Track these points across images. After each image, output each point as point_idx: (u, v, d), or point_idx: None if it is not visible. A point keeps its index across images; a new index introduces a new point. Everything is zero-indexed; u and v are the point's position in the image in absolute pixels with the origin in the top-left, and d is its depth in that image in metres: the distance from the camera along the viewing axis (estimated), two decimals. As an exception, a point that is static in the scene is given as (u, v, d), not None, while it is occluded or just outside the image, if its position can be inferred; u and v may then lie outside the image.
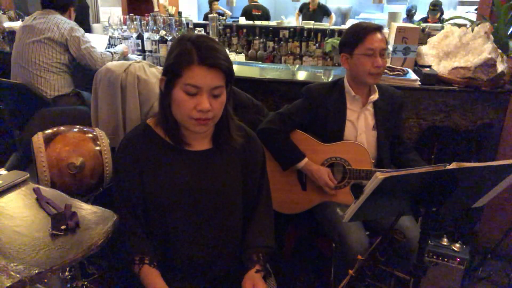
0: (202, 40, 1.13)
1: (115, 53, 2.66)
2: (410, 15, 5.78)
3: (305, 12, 6.08)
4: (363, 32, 1.70)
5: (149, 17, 2.97)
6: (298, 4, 6.35)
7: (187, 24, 3.13)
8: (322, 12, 6.07)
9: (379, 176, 1.00)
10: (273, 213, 1.41)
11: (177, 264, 1.26)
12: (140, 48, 3.08)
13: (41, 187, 1.19)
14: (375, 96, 1.81)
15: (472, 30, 2.30)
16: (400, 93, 1.90)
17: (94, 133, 1.67)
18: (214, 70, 1.10)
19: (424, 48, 2.48)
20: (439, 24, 3.06)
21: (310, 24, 3.67)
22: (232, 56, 3.02)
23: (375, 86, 1.82)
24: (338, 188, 1.81)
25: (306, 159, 1.79)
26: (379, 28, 1.72)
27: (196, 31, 3.10)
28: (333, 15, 6.15)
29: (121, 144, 1.26)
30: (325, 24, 4.56)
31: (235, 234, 1.31)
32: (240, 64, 2.85)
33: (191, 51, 1.10)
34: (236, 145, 1.28)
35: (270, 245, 1.32)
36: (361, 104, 1.82)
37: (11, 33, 3.03)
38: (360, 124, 1.82)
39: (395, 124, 1.87)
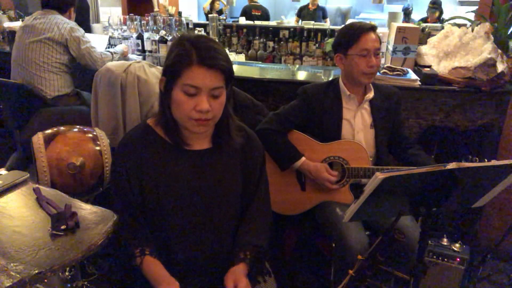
0: (201, 41, 1.13)
1: (115, 53, 2.66)
2: (406, 13, 5.78)
3: (305, 12, 6.08)
4: (357, 32, 1.70)
5: (149, 17, 2.97)
6: (298, 4, 6.35)
7: (187, 24, 3.13)
8: (321, 13, 6.08)
9: (379, 176, 1.00)
10: (273, 213, 1.40)
11: (176, 263, 1.25)
12: (140, 48, 3.08)
13: (41, 187, 1.19)
14: (370, 95, 1.81)
15: (472, 30, 2.30)
16: (396, 90, 1.90)
17: (94, 133, 1.67)
18: (214, 70, 1.10)
19: (424, 48, 2.48)
20: (439, 24, 3.06)
21: (310, 24, 3.67)
22: (232, 56, 3.02)
23: (370, 84, 1.82)
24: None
25: (303, 158, 1.79)
26: (372, 28, 1.72)
27: (196, 31, 3.10)
28: (328, 20, 6.16)
29: (120, 143, 1.26)
30: (325, 24, 4.57)
31: (234, 233, 1.31)
32: (240, 64, 2.85)
33: (190, 51, 1.10)
34: (235, 145, 1.28)
35: (260, 245, 1.28)
36: (357, 103, 1.83)
37: (11, 33, 3.03)
38: (357, 123, 1.83)
39: (394, 121, 1.88)
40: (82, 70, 2.67)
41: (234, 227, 1.31)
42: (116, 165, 1.26)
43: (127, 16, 3.02)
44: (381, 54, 1.81)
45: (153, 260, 1.19)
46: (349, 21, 5.23)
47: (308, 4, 6.10)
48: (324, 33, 3.14)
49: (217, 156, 1.27)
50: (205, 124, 1.16)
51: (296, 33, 3.18)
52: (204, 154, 1.26)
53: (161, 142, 1.24)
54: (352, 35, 1.71)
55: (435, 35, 2.53)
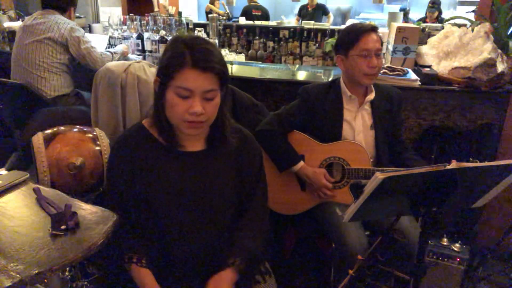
0: (196, 43, 1.11)
1: (115, 53, 2.66)
2: (404, 13, 5.80)
3: (304, 12, 6.09)
4: (357, 33, 1.69)
5: (149, 17, 2.97)
6: (298, 4, 6.36)
7: (187, 24, 3.13)
8: (321, 11, 6.08)
9: (379, 176, 1.00)
10: (273, 213, 1.39)
11: (172, 264, 1.25)
12: (140, 48, 3.08)
13: (41, 187, 1.20)
14: (371, 96, 1.81)
15: (472, 30, 2.30)
16: (398, 91, 1.89)
17: (94, 133, 1.67)
18: (207, 73, 1.09)
19: (424, 48, 2.48)
20: (439, 24, 3.06)
21: (310, 24, 3.67)
22: (232, 56, 3.02)
23: (371, 86, 1.81)
24: (337, 188, 1.81)
25: (301, 163, 1.78)
26: (373, 29, 1.71)
27: (196, 31, 3.10)
28: (331, 14, 6.16)
29: (115, 143, 1.26)
30: (325, 24, 4.56)
31: (229, 235, 1.29)
32: (240, 64, 2.85)
33: (184, 53, 1.08)
34: (230, 147, 1.27)
35: (253, 248, 1.25)
36: (358, 104, 1.82)
37: (11, 33, 3.03)
38: (358, 124, 1.82)
39: (394, 123, 1.87)
40: (82, 70, 2.67)
41: (228, 229, 1.29)
42: (110, 165, 1.26)
43: (127, 16, 3.02)
44: (382, 55, 1.80)
45: (139, 268, 1.19)
46: (349, 22, 5.24)
47: (307, 4, 6.10)
48: (324, 33, 3.14)
49: (211, 158, 1.26)
50: (198, 127, 1.15)
51: (296, 33, 3.19)
52: (198, 156, 1.25)
53: (155, 143, 1.23)
54: (353, 36, 1.70)
55: (435, 35, 2.53)
